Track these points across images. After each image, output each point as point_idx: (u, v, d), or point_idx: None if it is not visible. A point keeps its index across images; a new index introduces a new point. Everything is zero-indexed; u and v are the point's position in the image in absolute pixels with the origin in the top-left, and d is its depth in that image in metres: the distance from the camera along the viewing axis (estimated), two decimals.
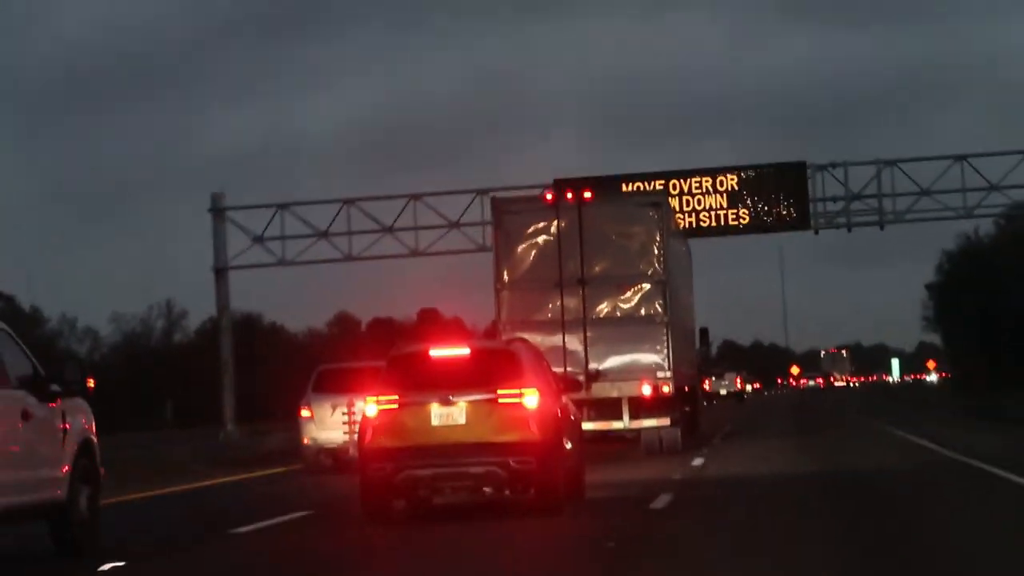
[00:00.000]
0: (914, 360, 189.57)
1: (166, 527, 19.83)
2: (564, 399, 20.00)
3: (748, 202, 50.84)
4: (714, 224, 50.86)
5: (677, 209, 48.75)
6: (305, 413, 31.30)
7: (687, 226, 48.71)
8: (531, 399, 17.85)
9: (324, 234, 53.94)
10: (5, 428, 14.37)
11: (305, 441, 31.34)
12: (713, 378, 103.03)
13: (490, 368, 18.22)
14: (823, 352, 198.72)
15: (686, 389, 36.54)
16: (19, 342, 15.60)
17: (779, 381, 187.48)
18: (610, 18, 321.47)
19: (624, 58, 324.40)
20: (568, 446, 19.06)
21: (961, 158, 51.47)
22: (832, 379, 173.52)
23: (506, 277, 31.06)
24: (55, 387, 15.47)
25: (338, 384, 31.02)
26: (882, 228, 52.50)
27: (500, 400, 17.80)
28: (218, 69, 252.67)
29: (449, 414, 17.74)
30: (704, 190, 50.89)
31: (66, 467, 15.40)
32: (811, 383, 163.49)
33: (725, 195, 50.81)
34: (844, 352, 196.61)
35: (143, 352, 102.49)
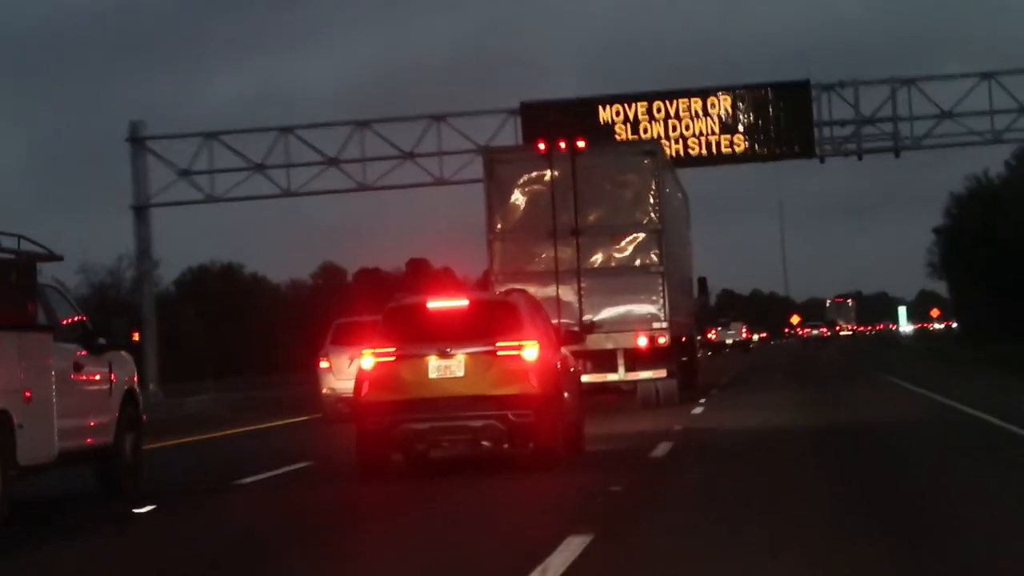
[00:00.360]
0: (916, 309, 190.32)
1: None
2: (564, 351, 20.37)
3: (744, 127, 46.54)
4: (705, 152, 46.40)
5: (663, 135, 45.66)
6: (324, 364, 34.19)
7: (674, 154, 44.68)
8: (530, 351, 18.17)
9: (259, 167, 49.59)
10: (60, 379, 15.90)
11: (324, 391, 34.12)
12: (720, 328, 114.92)
13: (489, 320, 18.53)
14: (828, 301, 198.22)
15: (683, 340, 36.90)
16: (69, 298, 17.55)
17: (786, 332, 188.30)
18: None
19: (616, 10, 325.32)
20: (567, 399, 19.43)
21: (988, 76, 47.92)
22: (838, 328, 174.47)
23: (498, 227, 31.35)
24: (102, 340, 17.22)
25: (354, 336, 32.35)
26: (897, 155, 48.10)
27: (499, 353, 18.09)
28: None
29: (447, 367, 18.05)
30: (693, 113, 46.50)
31: (113, 415, 17.28)
32: (814, 332, 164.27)
33: (717, 119, 46.43)
34: (850, 301, 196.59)
35: (112, 304, 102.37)
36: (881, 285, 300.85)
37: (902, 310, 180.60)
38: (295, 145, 49.79)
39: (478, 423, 18.05)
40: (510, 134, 48.63)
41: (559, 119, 45.61)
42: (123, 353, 17.86)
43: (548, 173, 31.33)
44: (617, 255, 31.44)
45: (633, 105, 46.58)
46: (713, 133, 46.58)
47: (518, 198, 31.46)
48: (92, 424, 16.75)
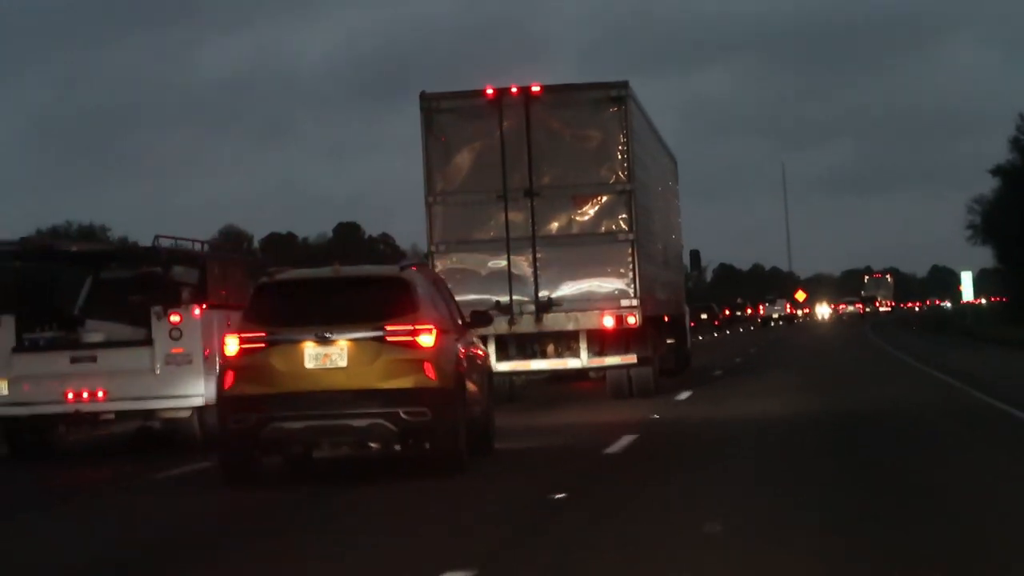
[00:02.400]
0: (929, 284, 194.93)
1: None
2: (471, 337, 19.88)
3: None
4: None
5: None
6: None
7: None
8: (426, 337, 17.60)
9: None
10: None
11: None
12: (768, 304, 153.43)
13: (378, 300, 17.96)
14: (867, 277, 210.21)
15: (665, 320, 36.34)
16: None
17: (832, 307, 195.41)
18: None
19: None
20: (472, 392, 18.92)
21: None
22: (877, 304, 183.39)
23: (439, 187, 30.70)
24: None
25: None
26: None
27: (389, 339, 17.54)
28: None
29: (327, 355, 17.48)
30: None
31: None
32: (849, 308, 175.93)
33: None
34: (888, 277, 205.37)
35: None
36: (889, 262, 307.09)
37: (966, 276, 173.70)
38: None
39: (363, 422, 17.50)
40: None
41: None
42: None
43: (498, 124, 30.64)
44: (579, 220, 30.79)
45: None
46: None
47: (462, 153, 30.83)
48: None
